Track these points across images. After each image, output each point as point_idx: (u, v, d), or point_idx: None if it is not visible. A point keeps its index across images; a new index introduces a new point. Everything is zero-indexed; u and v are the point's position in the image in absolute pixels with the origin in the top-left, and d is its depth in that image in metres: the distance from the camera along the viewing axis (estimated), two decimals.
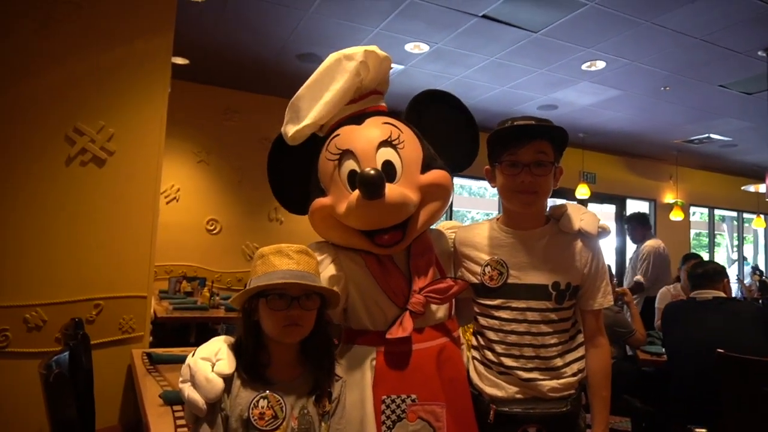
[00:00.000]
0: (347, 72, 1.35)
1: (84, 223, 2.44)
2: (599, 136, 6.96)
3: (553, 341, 1.31)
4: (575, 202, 1.46)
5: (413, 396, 1.28)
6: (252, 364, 1.17)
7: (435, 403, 1.28)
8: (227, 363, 1.15)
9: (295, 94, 1.42)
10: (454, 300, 1.43)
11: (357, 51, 1.36)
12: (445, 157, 1.42)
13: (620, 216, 8.27)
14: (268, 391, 1.16)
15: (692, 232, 9.38)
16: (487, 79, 5.08)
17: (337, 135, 1.36)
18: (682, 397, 2.52)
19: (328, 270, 1.32)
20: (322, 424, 1.22)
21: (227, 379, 1.14)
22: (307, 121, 1.36)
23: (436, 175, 1.36)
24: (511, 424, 1.28)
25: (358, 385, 1.29)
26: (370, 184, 1.21)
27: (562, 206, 1.40)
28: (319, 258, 1.30)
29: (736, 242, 10.38)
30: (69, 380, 1.42)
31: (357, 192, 1.24)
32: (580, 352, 1.36)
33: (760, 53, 4.23)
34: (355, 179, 1.25)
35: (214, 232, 5.54)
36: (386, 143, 1.33)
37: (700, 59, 4.42)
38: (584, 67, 4.70)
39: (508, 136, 1.31)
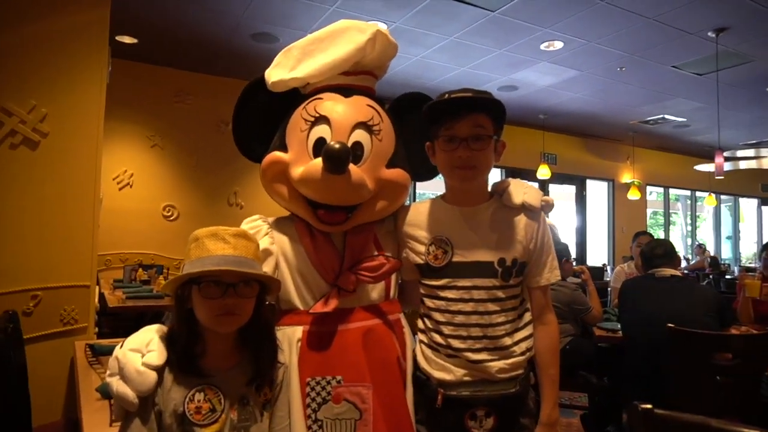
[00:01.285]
0: (353, 43, 1.32)
1: (18, 209, 2.29)
2: (559, 117, 7.03)
3: (500, 320, 1.28)
4: (525, 180, 1.42)
5: (339, 377, 1.24)
6: (185, 355, 1.09)
7: (361, 384, 1.24)
8: (158, 354, 1.08)
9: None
10: (394, 282, 1.39)
11: (370, 27, 1.33)
12: (411, 163, 1.41)
13: (580, 196, 8.43)
14: (204, 384, 1.09)
15: (648, 211, 9.65)
16: (446, 60, 5.03)
17: (320, 99, 1.32)
18: (635, 372, 2.57)
19: (261, 242, 1.26)
20: (264, 413, 1.17)
21: (159, 372, 1.07)
22: (295, 73, 1.33)
23: (398, 173, 1.35)
24: (460, 408, 1.25)
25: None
26: (336, 158, 1.19)
27: (505, 181, 1.37)
28: (253, 230, 1.26)
29: (689, 221, 10.73)
30: None
31: (320, 161, 1.21)
32: (529, 330, 1.34)
33: (710, 34, 4.32)
34: (322, 148, 1.22)
35: (172, 218, 5.38)
36: (364, 125, 1.31)
37: (654, 40, 4.49)
38: (543, 47, 4.70)
39: (444, 110, 1.26)
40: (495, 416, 1.24)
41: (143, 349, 1.09)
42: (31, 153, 2.32)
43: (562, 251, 3.28)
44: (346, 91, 1.35)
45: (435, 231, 1.34)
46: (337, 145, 1.19)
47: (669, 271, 2.62)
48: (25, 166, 2.31)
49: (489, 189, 1.39)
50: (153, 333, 1.13)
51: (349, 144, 1.26)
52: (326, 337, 1.27)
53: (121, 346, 1.10)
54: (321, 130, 1.29)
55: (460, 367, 1.28)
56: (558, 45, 4.66)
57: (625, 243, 8.13)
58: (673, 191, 10.03)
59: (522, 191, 1.32)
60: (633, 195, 8.06)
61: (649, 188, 9.30)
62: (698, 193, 10.09)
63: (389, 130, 1.36)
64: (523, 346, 1.31)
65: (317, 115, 1.29)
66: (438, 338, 1.31)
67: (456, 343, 1.28)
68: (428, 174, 1.46)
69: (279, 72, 1.35)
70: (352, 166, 1.23)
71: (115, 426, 1.39)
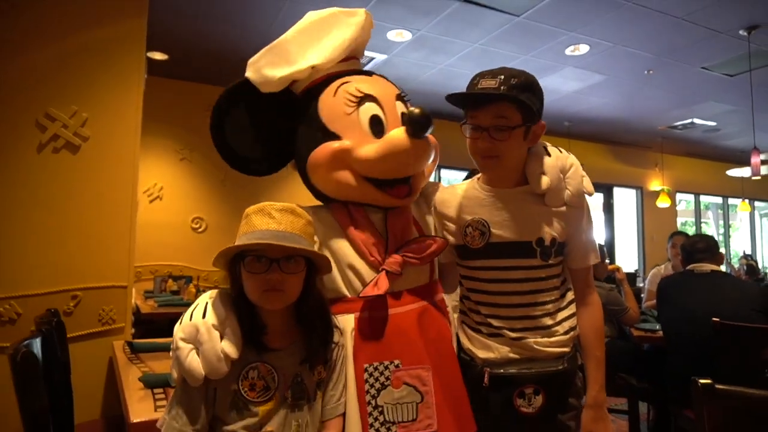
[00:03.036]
0: (353, 26, 1.35)
1: (59, 212, 2.34)
2: (585, 124, 6.96)
3: (541, 300, 1.26)
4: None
5: (396, 361, 1.21)
6: (249, 331, 1.08)
7: (420, 366, 1.22)
8: (236, 346, 1.05)
9: None
10: (436, 264, 1.38)
11: (357, 10, 1.36)
12: None
13: (608, 204, 8.30)
14: (257, 362, 1.08)
15: (678, 220, 9.44)
16: (471, 67, 5.04)
17: (348, 82, 1.32)
18: (679, 372, 2.48)
19: None
20: (317, 392, 1.16)
21: None
22: (306, 62, 1.31)
23: (433, 138, 1.34)
24: (508, 386, 1.22)
25: None
26: (423, 122, 1.21)
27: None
28: None
29: (722, 230, 10.45)
30: (38, 361, 1.33)
31: (399, 131, 1.22)
32: (572, 309, 1.31)
33: (741, 32, 4.24)
34: (381, 126, 1.26)
35: (200, 230, 5.45)
36: (399, 97, 1.35)
37: (683, 40, 4.43)
38: (568, 51, 4.68)
39: (464, 102, 1.25)
40: (544, 394, 1.22)
41: (223, 328, 1.06)
42: (72, 157, 2.38)
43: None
44: (365, 74, 1.38)
45: (472, 213, 1.32)
46: (417, 110, 1.21)
47: (709, 267, 2.55)
48: (67, 170, 2.37)
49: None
50: (229, 309, 1.09)
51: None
52: (380, 322, 1.24)
53: (203, 314, 1.07)
54: (371, 108, 1.29)
55: (503, 345, 1.26)
56: (583, 49, 4.63)
57: (655, 252, 7.95)
58: (703, 199, 9.81)
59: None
60: (663, 202, 7.89)
61: (678, 197, 9.12)
62: (730, 201, 9.84)
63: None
64: (566, 325, 1.29)
65: (361, 94, 1.29)
66: (478, 318, 1.30)
67: (496, 322, 1.27)
68: None
69: (278, 69, 1.32)
70: None
71: (159, 411, 1.40)
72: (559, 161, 1.30)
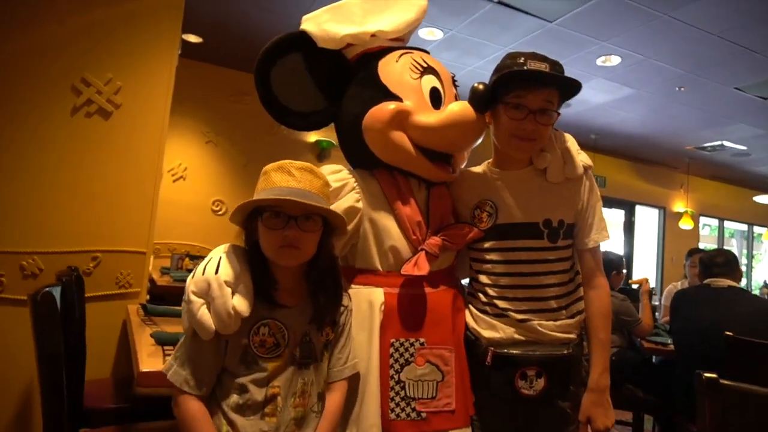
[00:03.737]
0: (415, 7, 1.40)
1: (86, 175, 2.41)
2: (611, 138, 6.90)
3: (548, 282, 1.27)
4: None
5: (422, 340, 1.24)
6: (262, 286, 1.11)
7: (444, 347, 1.25)
8: (248, 303, 1.06)
9: None
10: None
11: None
12: None
13: (629, 222, 8.19)
14: (269, 318, 1.10)
15: (701, 245, 9.27)
16: None
17: (410, 53, 1.36)
18: (688, 386, 2.44)
19: (346, 199, 1.27)
20: (324, 353, 1.18)
21: None
22: (375, 26, 1.35)
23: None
24: (510, 367, 1.24)
25: (365, 327, 1.24)
26: (485, 97, 1.27)
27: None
28: (337, 183, 1.26)
29: (745, 259, 10.23)
30: (56, 304, 1.37)
31: (464, 104, 1.27)
32: (579, 293, 1.32)
33: None
34: (439, 98, 1.31)
35: (220, 213, 5.53)
36: (453, 80, 1.41)
37: (717, 58, 4.36)
38: (599, 62, 4.65)
39: (520, 79, 1.25)
40: (546, 377, 1.22)
41: (235, 285, 1.06)
42: (103, 122, 2.45)
43: (614, 262, 3.20)
44: (408, 50, 1.41)
45: (481, 194, 1.35)
46: (482, 86, 1.26)
47: (726, 282, 2.52)
48: (97, 135, 2.44)
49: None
50: (242, 265, 1.10)
51: None
52: (413, 300, 1.26)
53: (216, 270, 1.07)
54: (432, 80, 1.33)
55: (508, 326, 1.27)
56: (615, 60, 4.60)
57: (674, 273, 7.82)
58: (728, 226, 9.62)
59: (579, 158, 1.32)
60: (685, 224, 7.77)
61: (702, 221, 8.96)
62: (756, 229, 9.64)
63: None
64: (573, 309, 1.29)
65: (425, 65, 1.33)
66: (485, 299, 1.31)
67: (501, 303, 1.28)
68: None
69: (343, 27, 1.34)
70: None
71: None
72: (557, 138, 1.34)
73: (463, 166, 1.45)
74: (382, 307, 1.24)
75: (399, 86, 1.30)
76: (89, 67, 2.41)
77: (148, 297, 2.54)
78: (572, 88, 1.26)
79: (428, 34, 4.40)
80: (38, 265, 2.29)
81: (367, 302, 1.25)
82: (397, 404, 1.20)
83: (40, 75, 2.34)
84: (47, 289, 1.43)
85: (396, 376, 1.21)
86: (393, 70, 1.32)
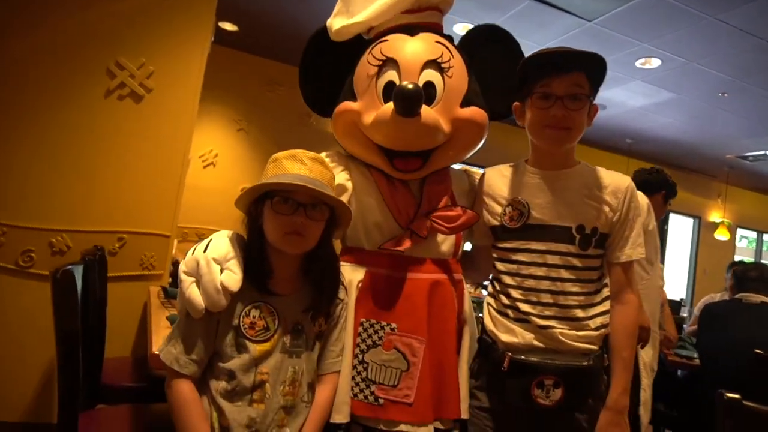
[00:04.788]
0: None
1: (116, 156, 2.46)
2: (647, 144, 6.70)
3: (574, 289, 1.23)
4: None
5: (393, 325, 1.21)
6: (256, 271, 1.12)
7: (414, 336, 1.21)
8: (237, 279, 1.08)
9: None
10: (462, 243, 1.37)
11: None
12: (487, 100, 1.34)
13: (661, 230, 7.97)
14: (261, 302, 1.11)
15: (736, 257, 8.96)
16: None
17: (385, 41, 1.29)
18: (713, 402, 2.36)
19: (337, 177, 1.26)
20: (316, 342, 1.18)
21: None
22: (357, 18, 1.30)
23: (475, 112, 1.29)
24: (527, 374, 1.19)
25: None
26: (407, 99, 1.14)
27: None
28: (330, 163, 1.25)
29: None
30: (75, 283, 1.40)
31: (391, 105, 1.17)
32: (605, 306, 1.27)
33: None
34: (392, 92, 1.18)
35: None
36: (433, 63, 1.26)
37: (763, 63, 4.18)
38: (638, 64, 4.51)
39: (542, 66, 1.22)
40: (563, 388, 1.18)
41: (223, 262, 1.08)
42: (135, 106, 2.50)
43: None
44: (411, 29, 1.30)
45: (514, 193, 1.31)
46: (409, 86, 1.14)
47: (760, 298, 2.42)
48: (128, 118, 2.49)
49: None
50: (234, 246, 1.12)
51: (420, 84, 1.20)
52: (391, 282, 1.24)
53: (205, 249, 1.10)
54: (390, 75, 1.25)
55: (528, 331, 1.23)
56: (655, 63, 4.45)
57: (706, 284, 7.57)
58: (766, 239, 9.26)
59: None
60: (721, 234, 7.51)
61: (738, 233, 8.64)
62: None
63: (461, 66, 1.30)
64: (598, 321, 1.24)
65: (384, 57, 1.25)
66: (506, 300, 1.27)
67: (524, 307, 1.23)
68: (507, 110, 1.38)
69: (340, 20, 1.33)
70: (424, 108, 1.18)
71: None
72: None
73: (457, 166, 1.41)
74: (359, 284, 1.24)
75: (358, 83, 1.29)
76: (123, 50, 2.46)
77: (170, 280, 2.58)
78: (599, 68, 1.22)
79: (463, 29, 4.34)
80: (66, 243, 2.36)
81: (347, 280, 1.25)
82: (357, 384, 1.19)
83: (77, 58, 2.40)
84: (68, 267, 1.46)
85: (360, 356, 1.20)
86: (360, 64, 1.30)
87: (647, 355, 2.36)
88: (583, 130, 1.26)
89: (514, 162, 1.39)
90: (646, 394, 2.33)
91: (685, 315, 5.46)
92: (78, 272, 1.58)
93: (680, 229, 8.18)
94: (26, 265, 2.31)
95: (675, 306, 5.73)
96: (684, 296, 7.81)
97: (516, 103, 1.32)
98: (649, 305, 2.39)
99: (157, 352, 1.39)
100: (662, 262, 8.43)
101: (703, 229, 8.06)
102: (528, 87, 1.25)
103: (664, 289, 3.37)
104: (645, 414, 2.31)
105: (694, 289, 7.95)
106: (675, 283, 8.09)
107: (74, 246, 2.35)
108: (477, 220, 1.31)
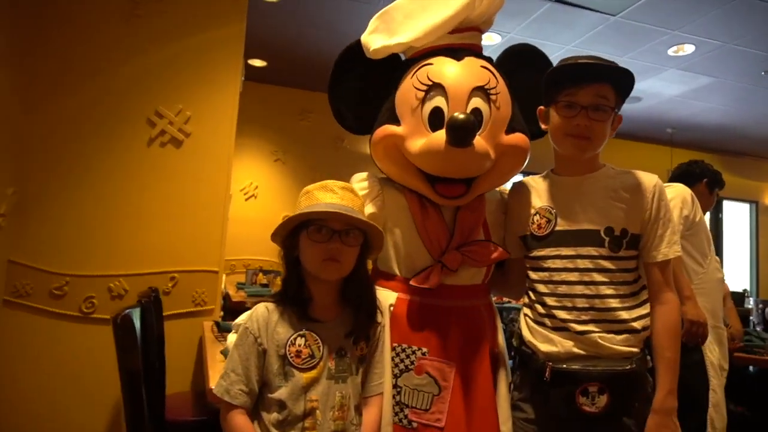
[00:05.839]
0: (456, 3, 1.26)
1: (163, 200, 2.59)
2: (690, 131, 6.48)
3: (609, 292, 1.21)
4: None
5: (424, 349, 1.23)
6: (296, 299, 1.16)
7: (444, 361, 1.22)
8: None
9: None
10: (492, 268, 1.37)
11: None
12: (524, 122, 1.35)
13: (716, 219, 7.64)
14: (305, 330, 1.15)
15: None
16: None
17: (430, 64, 1.26)
18: None
19: (368, 207, 1.28)
20: (359, 366, 1.20)
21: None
22: (400, 38, 1.28)
23: (519, 138, 1.28)
24: (570, 383, 1.19)
25: None
26: (461, 130, 1.13)
27: None
28: (360, 192, 1.27)
29: None
30: (134, 325, 1.49)
31: (442, 134, 1.16)
32: (645, 309, 1.25)
33: None
34: (442, 120, 1.18)
35: None
36: (480, 90, 1.24)
37: None
38: (671, 52, 4.40)
39: (568, 75, 1.23)
40: (608, 394, 1.16)
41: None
42: (176, 151, 2.63)
43: None
44: (455, 52, 1.28)
45: (541, 201, 1.32)
46: (461, 116, 1.12)
47: None
48: (171, 163, 2.62)
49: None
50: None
51: (468, 111, 1.19)
52: (421, 308, 1.26)
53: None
54: (437, 101, 1.23)
55: (567, 339, 1.22)
56: (688, 49, 4.33)
57: None
58: None
59: None
60: None
61: None
62: None
63: (505, 92, 1.29)
64: (638, 324, 1.22)
65: (430, 83, 1.23)
66: (542, 309, 1.27)
67: (561, 314, 1.23)
68: (539, 133, 1.38)
69: (379, 38, 1.30)
70: (476, 137, 1.17)
71: None
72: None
73: (504, 186, 1.41)
74: (391, 308, 1.26)
75: (401, 106, 1.26)
76: (162, 99, 2.60)
77: (221, 313, 2.67)
78: (625, 80, 1.22)
79: (486, 39, 4.33)
80: (124, 287, 2.48)
81: (380, 304, 1.26)
82: (392, 407, 1.20)
83: (120, 110, 2.56)
84: (127, 311, 1.55)
85: (394, 380, 1.22)
86: (405, 87, 1.27)
87: (713, 354, 2.26)
88: (605, 140, 1.26)
89: (542, 171, 1.40)
90: (716, 395, 2.21)
91: (750, 306, 5.19)
92: (136, 315, 1.67)
93: (737, 216, 7.81)
94: (89, 311, 2.45)
95: (738, 298, 5.47)
96: (747, 287, 7.42)
97: (541, 108, 1.33)
98: (709, 300, 2.29)
99: (212, 387, 1.47)
100: (719, 253, 8.05)
101: (761, 214, 7.68)
102: (553, 94, 1.26)
103: (725, 281, 3.23)
104: (717, 417, 2.19)
105: (758, 276, 7.55)
106: (736, 274, 7.71)
107: (131, 289, 2.48)
108: (507, 258, 1.32)
